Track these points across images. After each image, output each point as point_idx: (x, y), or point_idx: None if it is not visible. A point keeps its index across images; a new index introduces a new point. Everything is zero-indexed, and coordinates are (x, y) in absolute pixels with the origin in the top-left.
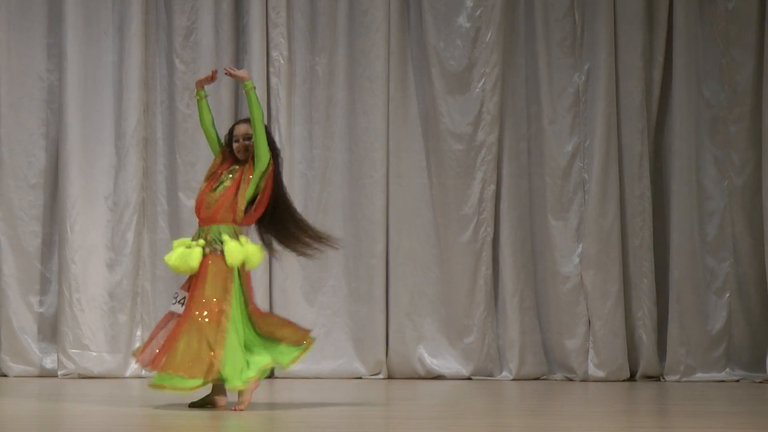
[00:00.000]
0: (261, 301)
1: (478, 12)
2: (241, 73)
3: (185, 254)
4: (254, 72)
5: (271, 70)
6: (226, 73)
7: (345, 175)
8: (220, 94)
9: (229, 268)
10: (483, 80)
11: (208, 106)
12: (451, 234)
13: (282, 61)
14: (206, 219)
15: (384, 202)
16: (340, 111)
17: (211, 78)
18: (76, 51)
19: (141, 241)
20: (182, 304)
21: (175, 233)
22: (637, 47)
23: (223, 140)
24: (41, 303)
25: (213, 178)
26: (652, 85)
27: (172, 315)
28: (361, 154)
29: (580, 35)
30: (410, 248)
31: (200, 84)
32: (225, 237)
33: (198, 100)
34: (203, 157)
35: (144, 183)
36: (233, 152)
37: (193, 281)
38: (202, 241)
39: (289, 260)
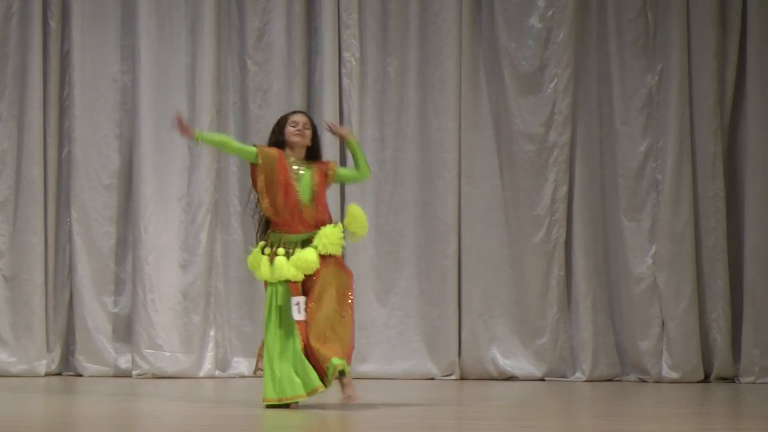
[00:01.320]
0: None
1: (550, 12)
2: (342, 130)
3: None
4: (326, 73)
5: (343, 71)
6: (327, 129)
7: (417, 176)
8: (293, 95)
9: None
10: (555, 81)
11: (210, 134)
12: (524, 235)
13: (354, 63)
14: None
15: (456, 203)
16: (412, 112)
17: (180, 126)
18: (149, 53)
19: (214, 241)
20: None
21: (248, 234)
22: (711, 47)
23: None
24: (115, 303)
25: (283, 181)
26: (725, 86)
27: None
28: (433, 155)
29: (652, 35)
30: (482, 249)
31: (184, 132)
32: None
33: (200, 142)
34: None
35: (217, 184)
36: (280, 142)
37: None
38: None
39: (361, 261)
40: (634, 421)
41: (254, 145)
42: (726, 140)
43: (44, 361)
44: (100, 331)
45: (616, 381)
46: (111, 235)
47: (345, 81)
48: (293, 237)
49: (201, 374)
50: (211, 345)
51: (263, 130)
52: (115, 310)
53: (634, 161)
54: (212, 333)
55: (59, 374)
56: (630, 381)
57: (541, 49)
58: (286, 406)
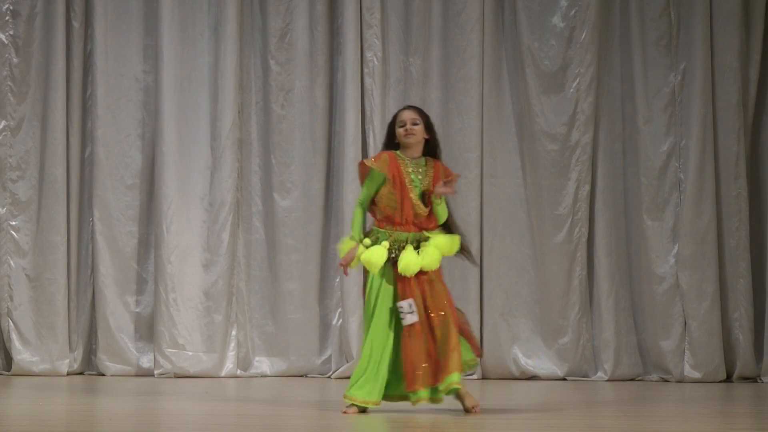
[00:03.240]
0: (356, 303)
1: (573, 11)
2: (448, 189)
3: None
4: (348, 73)
5: (366, 70)
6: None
7: None
8: (315, 95)
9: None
10: (578, 80)
11: (356, 227)
12: (546, 234)
13: (376, 62)
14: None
15: (478, 203)
16: (435, 111)
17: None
18: (172, 53)
19: (236, 241)
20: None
21: (270, 233)
22: (734, 46)
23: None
24: (138, 303)
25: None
26: (748, 85)
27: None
28: (456, 155)
29: (675, 34)
30: (504, 248)
31: (349, 259)
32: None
33: (362, 239)
34: (297, 157)
35: (239, 184)
36: (393, 144)
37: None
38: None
39: None
40: (656, 420)
41: (363, 167)
42: (749, 139)
43: (67, 361)
44: (123, 330)
45: (638, 380)
46: (133, 235)
47: (367, 80)
48: (403, 235)
49: (223, 374)
50: (233, 344)
51: (285, 130)
52: (138, 310)
53: (656, 160)
54: (234, 332)
55: (81, 373)
56: (652, 380)
57: (563, 49)
58: (364, 410)
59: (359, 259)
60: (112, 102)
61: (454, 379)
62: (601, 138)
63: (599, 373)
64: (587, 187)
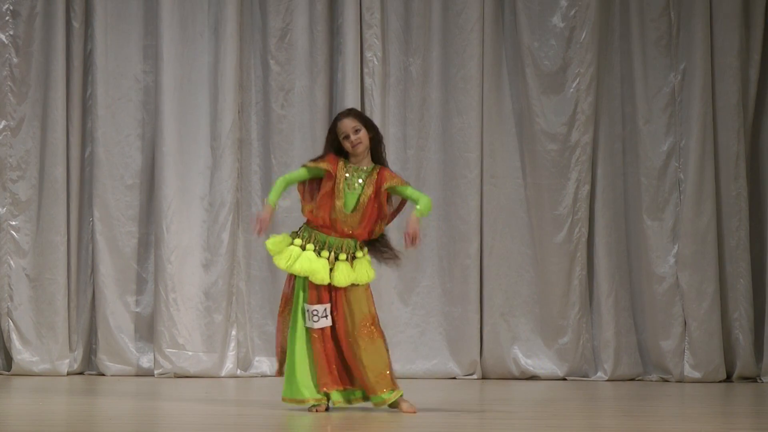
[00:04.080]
0: None
1: (573, 12)
2: (415, 231)
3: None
4: (348, 73)
5: (365, 71)
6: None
7: (439, 175)
8: (315, 95)
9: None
10: (577, 80)
11: (274, 190)
12: (546, 234)
13: (376, 62)
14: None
15: (478, 203)
16: (435, 112)
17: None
18: (172, 52)
19: (236, 241)
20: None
21: (270, 233)
22: (734, 46)
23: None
24: (138, 303)
25: (330, 190)
26: (748, 85)
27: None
28: (456, 155)
29: (675, 34)
30: (504, 248)
31: (264, 221)
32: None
33: (275, 202)
34: (297, 157)
35: (239, 184)
36: (338, 151)
37: (334, 293)
38: (343, 255)
39: None
40: (656, 420)
41: (303, 166)
42: (749, 139)
43: (67, 361)
44: (123, 330)
45: (638, 380)
46: (133, 235)
47: (367, 80)
48: (323, 237)
49: (223, 374)
50: (233, 344)
51: (285, 130)
52: (138, 310)
53: (656, 160)
54: (234, 332)
55: (81, 373)
56: (652, 380)
57: (563, 49)
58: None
59: (293, 264)
60: (112, 102)
61: (386, 397)
62: (601, 138)
63: (599, 373)
64: (587, 187)
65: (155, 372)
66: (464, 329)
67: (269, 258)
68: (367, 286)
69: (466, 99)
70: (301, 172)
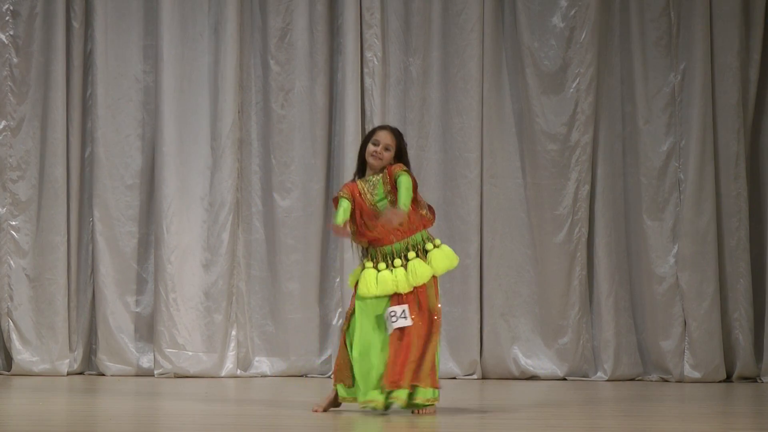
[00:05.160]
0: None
1: (573, 12)
2: (397, 217)
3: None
4: (348, 73)
5: (365, 71)
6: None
7: (439, 175)
8: (315, 95)
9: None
10: (577, 80)
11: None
12: (546, 234)
13: (376, 62)
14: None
15: (478, 203)
16: (434, 111)
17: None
18: (172, 53)
19: (236, 241)
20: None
21: (270, 234)
22: (734, 46)
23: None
24: (138, 303)
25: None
26: (748, 85)
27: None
28: (455, 155)
29: (675, 34)
30: (504, 248)
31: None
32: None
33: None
34: (297, 157)
35: (239, 184)
36: (363, 160)
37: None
38: (398, 261)
39: None
40: (656, 420)
41: (341, 197)
42: (749, 139)
43: (67, 361)
44: (123, 330)
45: (638, 380)
46: (133, 235)
47: (367, 80)
48: (387, 248)
49: (223, 374)
50: (233, 344)
51: (285, 130)
52: (138, 310)
53: (656, 160)
54: (234, 332)
55: (81, 373)
56: (652, 380)
57: (563, 49)
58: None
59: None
60: (112, 102)
61: (429, 395)
62: (601, 138)
63: (599, 373)
64: (587, 187)
65: (155, 372)
66: (464, 329)
67: (269, 258)
68: (435, 279)
69: (466, 99)
70: (344, 214)
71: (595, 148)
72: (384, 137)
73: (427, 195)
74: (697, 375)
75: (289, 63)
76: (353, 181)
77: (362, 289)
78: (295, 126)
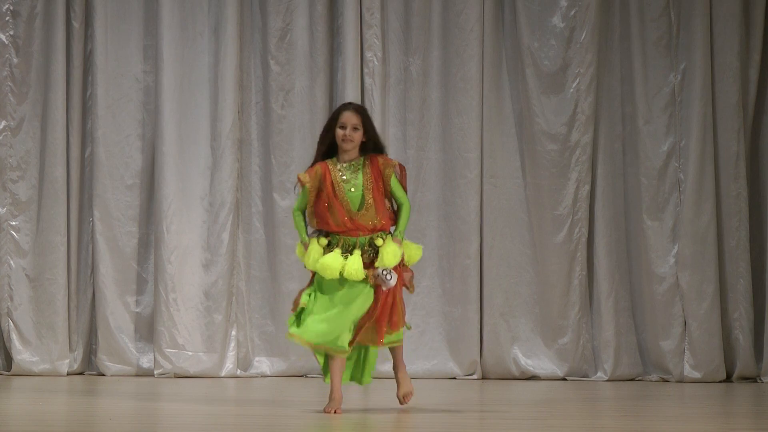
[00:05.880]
0: None
1: (573, 12)
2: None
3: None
4: (348, 73)
5: (366, 71)
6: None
7: (439, 175)
8: (315, 95)
9: None
10: (577, 80)
11: (302, 225)
12: (546, 234)
13: (376, 62)
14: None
15: (478, 203)
16: (434, 112)
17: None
18: (172, 53)
19: (236, 241)
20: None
21: (270, 234)
22: (734, 46)
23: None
24: (138, 303)
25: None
26: (748, 85)
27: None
28: (455, 155)
29: (675, 35)
30: (504, 249)
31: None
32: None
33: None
34: (297, 158)
35: (239, 184)
36: (330, 143)
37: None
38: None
39: None
40: (656, 420)
41: (299, 181)
42: (749, 139)
43: (67, 361)
44: (123, 330)
45: (638, 381)
46: (133, 235)
47: (367, 81)
48: (352, 240)
49: (223, 374)
50: (233, 344)
51: (285, 130)
52: (138, 310)
53: (656, 160)
54: (234, 332)
55: (81, 373)
56: (652, 381)
57: (563, 49)
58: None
59: (316, 262)
60: (112, 102)
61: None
62: (601, 138)
63: (599, 373)
64: (587, 187)
65: (155, 372)
66: (464, 329)
67: (269, 258)
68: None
69: (466, 99)
70: (303, 197)
71: (595, 148)
72: (349, 118)
73: (427, 195)
74: (697, 375)
75: (289, 63)
76: (320, 161)
77: (327, 273)
78: (295, 126)
